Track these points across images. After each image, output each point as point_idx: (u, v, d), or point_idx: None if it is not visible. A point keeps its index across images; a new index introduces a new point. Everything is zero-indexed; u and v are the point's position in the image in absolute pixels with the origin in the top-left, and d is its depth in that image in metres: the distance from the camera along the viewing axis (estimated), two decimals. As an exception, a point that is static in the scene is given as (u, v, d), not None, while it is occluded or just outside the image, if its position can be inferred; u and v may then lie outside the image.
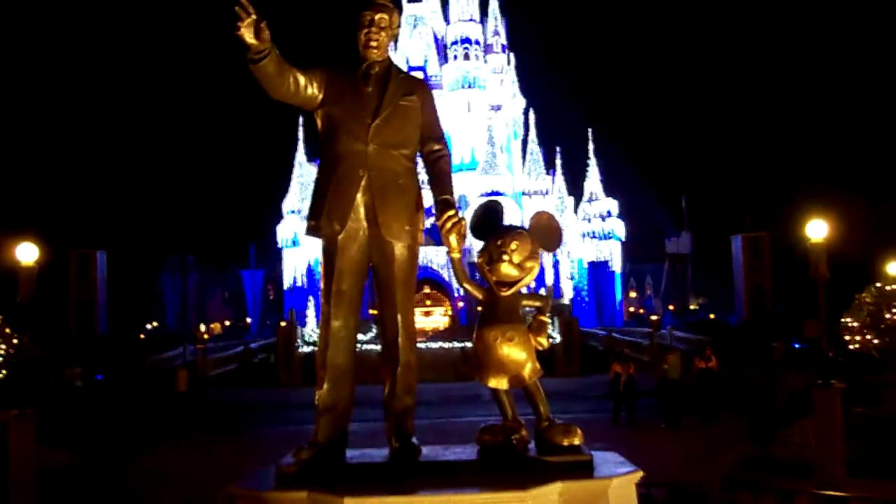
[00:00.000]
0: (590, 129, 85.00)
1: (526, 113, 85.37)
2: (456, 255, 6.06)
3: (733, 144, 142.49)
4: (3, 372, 20.32)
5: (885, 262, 28.23)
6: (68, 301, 61.94)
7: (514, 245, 5.89)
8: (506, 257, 5.87)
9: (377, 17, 6.43)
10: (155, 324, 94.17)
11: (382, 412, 6.28)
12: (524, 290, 6.18)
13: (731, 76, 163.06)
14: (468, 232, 6.09)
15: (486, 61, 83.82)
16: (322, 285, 6.34)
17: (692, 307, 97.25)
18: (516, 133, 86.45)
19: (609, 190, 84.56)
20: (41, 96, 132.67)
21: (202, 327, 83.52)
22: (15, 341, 20.91)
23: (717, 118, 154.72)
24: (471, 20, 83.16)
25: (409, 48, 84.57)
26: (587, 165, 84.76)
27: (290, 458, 5.79)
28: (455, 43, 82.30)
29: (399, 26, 6.69)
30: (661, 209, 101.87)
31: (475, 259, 6.20)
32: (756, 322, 56.76)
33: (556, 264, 77.87)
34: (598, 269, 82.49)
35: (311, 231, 6.30)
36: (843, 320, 21.67)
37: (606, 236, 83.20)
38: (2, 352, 20.78)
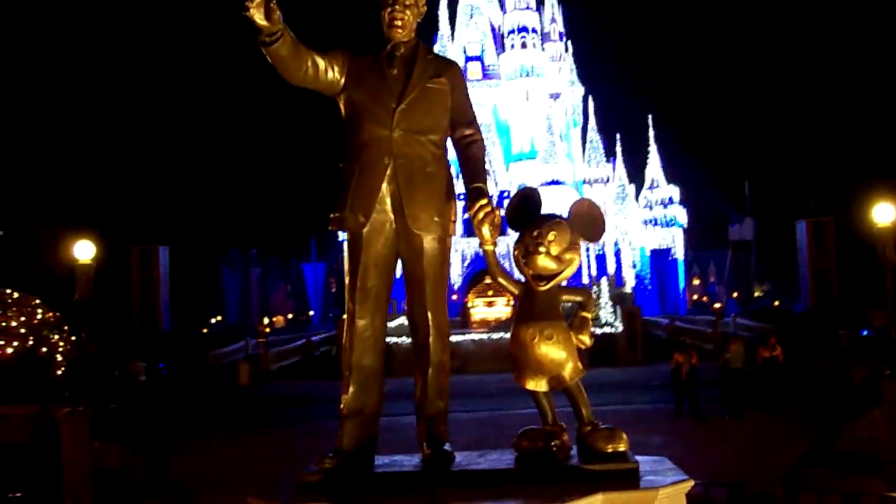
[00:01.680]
0: (650, 116, 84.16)
1: (585, 100, 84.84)
2: (489, 248, 5.63)
3: (797, 127, 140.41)
4: (62, 369, 20.53)
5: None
6: (131, 297, 62.52)
7: (551, 236, 5.43)
8: (542, 249, 5.42)
9: None
10: (218, 318, 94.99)
11: (412, 405, 5.97)
12: (565, 284, 5.80)
13: (794, 58, 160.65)
14: (503, 222, 5.75)
15: (543, 49, 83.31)
16: (347, 281, 5.95)
17: (756, 294, 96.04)
18: (575, 121, 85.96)
19: (670, 177, 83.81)
20: (102, 94, 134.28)
21: (265, 321, 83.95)
22: (73, 338, 21.14)
23: (779, 101, 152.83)
24: (527, 8, 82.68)
25: (466, 38, 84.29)
26: (648, 152, 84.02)
27: (312, 466, 5.51)
28: (512, 32, 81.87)
29: (425, 5, 6.20)
30: (723, 195, 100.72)
31: (512, 251, 5.83)
32: (821, 309, 55.79)
33: (617, 253, 77.38)
34: (660, 257, 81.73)
35: (335, 224, 5.93)
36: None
37: (668, 223, 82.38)
38: (60, 349, 21.02)
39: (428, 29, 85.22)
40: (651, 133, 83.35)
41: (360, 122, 5.86)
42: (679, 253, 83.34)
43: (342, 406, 5.81)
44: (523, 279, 5.63)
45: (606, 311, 54.41)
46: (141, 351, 44.85)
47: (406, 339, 46.87)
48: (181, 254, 70.24)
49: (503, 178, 78.11)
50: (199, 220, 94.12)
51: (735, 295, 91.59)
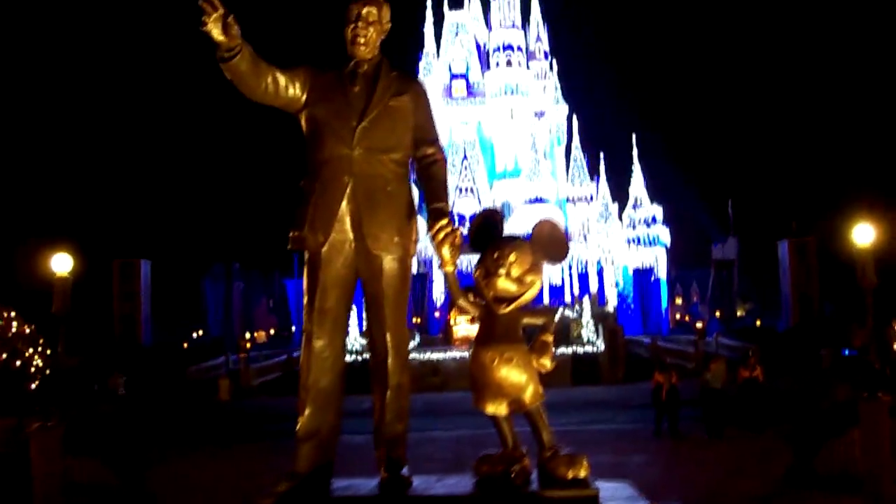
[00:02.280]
0: (633, 135, 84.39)
1: (569, 119, 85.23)
2: (449, 269, 5.55)
3: (779, 148, 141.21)
4: (36, 382, 20.34)
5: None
6: (112, 310, 62.14)
7: (512, 257, 5.38)
8: (502, 271, 5.36)
9: (364, 10, 5.96)
10: (200, 332, 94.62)
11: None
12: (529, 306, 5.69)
13: (776, 78, 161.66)
14: (464, 243, 5.64)
15: (528, 68, 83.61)
16: (305, 301, 5.87)
17: (739, 313, 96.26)
18: (560, 139, 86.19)
19: (654, 196, 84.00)
20: (81, 107, 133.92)
21: (246, 335, 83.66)
22: (49, 352, 20.97)
23: (763, 121, 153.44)
24: (513, 26, 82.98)
25: (451, 55, 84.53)
26: (631, 171, 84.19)
27: (267, 490, 5.40)
28: (497, 50, 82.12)
29: (390, 21, 6.16)
30: (706, 214, 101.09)
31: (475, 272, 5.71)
32: (803, 328, 55.89)
33: (600, 271, 77.52)
34: (643, 276, 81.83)
35: (294, 243, 5.86)
36: (892, 328, 21.18)
37: (652, 242, 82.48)
38: (36, 363, 20.85)
39: (413, 46, 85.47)
40: (635, 152, 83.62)
41: (321, 139, 5.81)
42: (662, 272, 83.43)
43: (298, 428, 5.73)
44: (484, 301, 5.54)
45: (588, 330, 54.33)
46: (121, 364, 44.52)
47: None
48: (163, 267, 69.93)
49: (487, 196, 78.20)
50: (182, 234, 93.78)
51: (718, 314, 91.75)
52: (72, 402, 19.96)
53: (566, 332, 54.19)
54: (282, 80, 5.81)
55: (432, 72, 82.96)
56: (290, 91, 5.86)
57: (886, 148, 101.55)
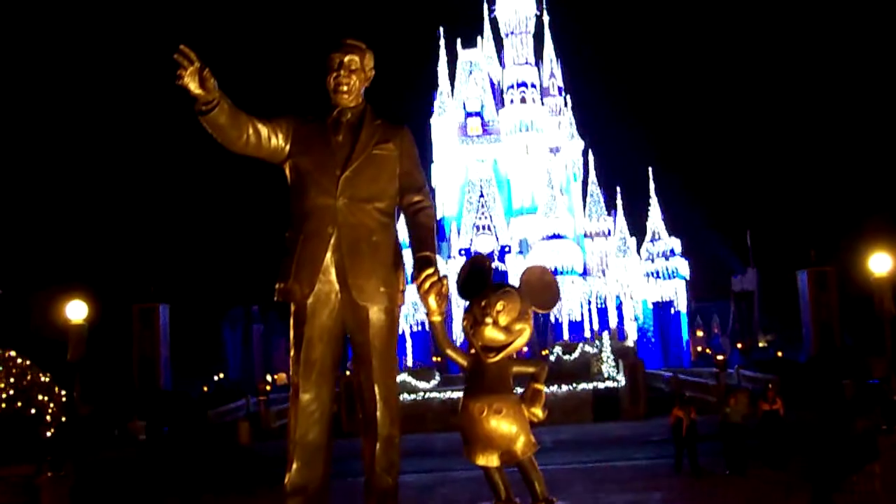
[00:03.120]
0: (650, 168, 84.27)
1: (585, 154, 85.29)
2: (436, 319, 5.42)
3: (796, 179, 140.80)
4: (51, 431, 20.31)
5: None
6: (132, 355, 62.33)
7: (500, 305, 5.30)
8: (489, 320, 5.29)
9: (346, 59, 5.89)
10: (220, 375, 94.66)
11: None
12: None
13: (793, 111, 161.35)
14: (452, 292, 5.57)
15: (542, 104, 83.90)
16: (291, 354, 5.76)
17: (760, 345, 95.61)
18: (576, 175, 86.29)
19: (672, 229, 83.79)
20: (98, 152, 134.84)
21: (267, 378, 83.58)
22: (64, 400, 20.95)
23: (779, 152, 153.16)
24: (526, 64, 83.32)
25: (465, 94, 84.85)
26: (648, 205, 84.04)
27: None
28: (511, 87, 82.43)
29: (374, 69, 6.08)
30: (725, 246, 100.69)
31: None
32: (825, 359, 55.51)
33: (619, 306, 77.27)
34: (662, 309, 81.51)
35: (280, 295, 5.77)
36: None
37: (670, 275, 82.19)
38: (52, 410, 20.82)
39: (427, 85, 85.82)
40: (652, 185, 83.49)
41: (305, 190, 5.74)
42: (682, 305, 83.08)
43: (286, 482, 5.65)
44: (473, 350, 5.48)
45: (609, 366, 54.01)
46: (141, 410, 44.54)
47: (407, 396, 46.68)
48: (183, 312, 70.13)
49: (504, 234, 78.19)
50: (201, 278, 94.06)
51: (739, 346, 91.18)
52: (86, 450, 19.94)
53: (587, 368, 53.94)
54: (263, 131, 5.75)
55: (447, 111, 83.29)
56: (273, 142, 5.80)
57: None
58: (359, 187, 5.72)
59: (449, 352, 5.62)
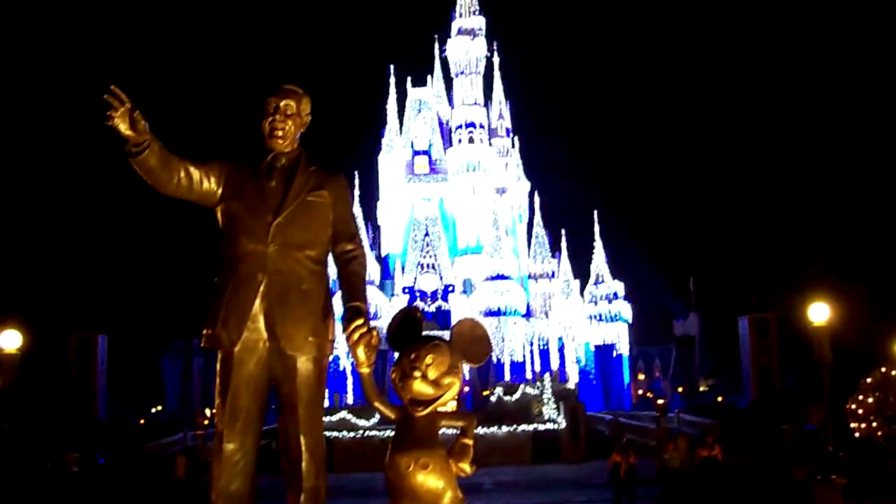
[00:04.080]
0: (595, 211, 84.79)
1: (531, 196, 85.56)
2: (364, 371, 5.34)
3: (739, 226, 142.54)
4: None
5: (891, 343, 27.77)
6: (68, 385, 61.49)
7: (429, 359, 5.17)
8: (418, 373, 5.16)
9: (283, 103, 5.83)
10: (158, 408, 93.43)
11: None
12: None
13: (737, 159, 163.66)
14: (382, 343, 5.50)
15: (490, 145, 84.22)
16: (217, 402, 5.63)
17: (701, 389, 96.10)
18: (521, 216, 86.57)
19: (615, 272, 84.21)
20: (32, 179, 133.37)
21: (206, 412, 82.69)
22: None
23: (723, 200, 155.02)
24: (475, 104, 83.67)
25: (414, 132, 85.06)
26: (593, 248, 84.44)
27: None
28: (460, 127, 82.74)
29: (310, 114, 6.01)
30: (668, 290, 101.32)
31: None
32: (764, 404, 56.03)
33: (561, 348, 77.39)
34: (605, 352, 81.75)
35: (207, 342, 5.64)
36: (848, 406, 21.21)
37: (613, 318, 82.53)
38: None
39: (376, 122, 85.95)
40: (596, 228, 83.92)
41: (236, 235, 5.66)
42: (624, 348, 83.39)
43: None
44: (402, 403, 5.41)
45: (549, 408, 54.08)
46: (76, 441, 43.88)
47: (347, 434, 46.39)
48: (122, 343, 69.31)
49: (448, 273, 78.22)
50: (142, 310, 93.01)
51: (680, 390, 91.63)
52: (15, 480, 19.51)
53: (527, 410, 53.94)
54: (195, 174, 5.67)
55: (394, 148, 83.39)
56: (205, 185, 5.72)
57: (842, 228, 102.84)
58: (290, 234, 5.65)
59: (377, 404, 5.50)
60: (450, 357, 5.25)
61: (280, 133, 5.82)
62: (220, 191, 5.77)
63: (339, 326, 5.57)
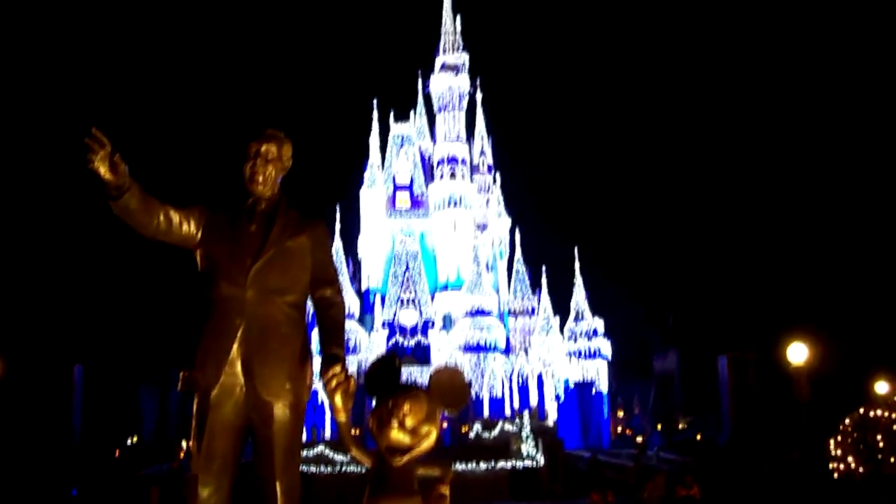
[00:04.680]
0: (575, 248, 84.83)
1: (512, 232, 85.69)
2: (341, 418, 5.34)
3: (720, 264, 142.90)
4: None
5: (872, 382, 27.85)
6: (44, 414, 61.13)
7: (406, 407, 5.20)
8: (395, 422, 5.19)
9: (263, 148, 5.83)
10: (134, 439, 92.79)
11: None
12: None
13: (719, 196, 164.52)
14: (358, 389, 5.47)
15: (472, 181, 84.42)
16: (192, 445, 5.59)
17: (680, 426, 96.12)
18: (502, 252, 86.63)
19: (595, 309, 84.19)
20: (20, 209, 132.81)
21: (183, 443, 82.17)
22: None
23: (704, 238, 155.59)
24: (457, 140, 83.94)
25: (396, 167, 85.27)
26: (573, 284, 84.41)
27: None
28: (441, 162, 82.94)
29: (291, 159, 6.00)
30: (648, 328, 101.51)
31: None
32: (743, 442, 56.09)
33: (540, 385, 77.25)
34: (584, 389, 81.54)
35: (184, 384, 5.61)
36: (828, 446, 21.23)
37: (593, 355, 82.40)
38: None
39: (359, 156, 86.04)
40: (577, 265, 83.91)
41: (214, 279, 5.64)
42: (603, 385, 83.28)
43: None
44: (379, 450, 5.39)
45: (528, 444, 53.92)
46: (50, 470, 43.59)
47: (324, 468, 46.09)
48: (99, 372, 68.93)
49: (428, 308, 78.18)
50: (120, 340, 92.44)
51: (659, 427, 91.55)
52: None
53: (506, 446, 53.79)
54: (175, 217, 5.67)
55: (376, 183, 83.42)
56: (185, 228, 5.72)
57: (823, 268, 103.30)
58: (269, 279, 5.63)
59: (354, 451, 5.49)
60: (427, 405, 5.25)
61: (261, 178, 5.82)
62: (199, 234, 5.76)
63: (316, 371, 5.55)
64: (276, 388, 5.52)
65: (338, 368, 5.35)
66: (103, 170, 5.21)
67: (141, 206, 5.50)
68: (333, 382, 5.30)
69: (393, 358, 5.62)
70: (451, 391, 5.43)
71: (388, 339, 75.46)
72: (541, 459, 52.08)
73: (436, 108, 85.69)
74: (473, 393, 70.77)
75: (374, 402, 5.39)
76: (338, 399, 5.28)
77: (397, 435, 5.21)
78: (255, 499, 5.67)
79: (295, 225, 5.84)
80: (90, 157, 5.15)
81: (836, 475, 21.50)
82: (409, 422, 5.19)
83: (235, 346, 5.52)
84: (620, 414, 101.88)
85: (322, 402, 63.91)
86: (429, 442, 5.28)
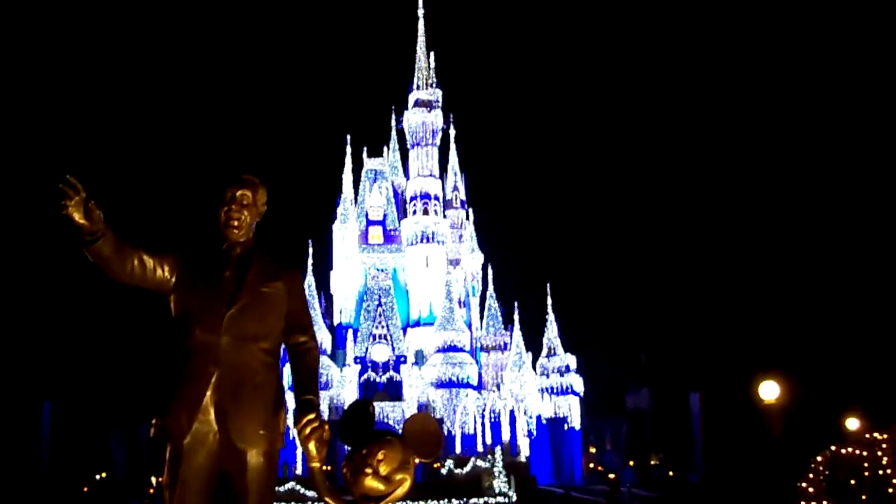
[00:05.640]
0: (548, 284, 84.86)
1: (484, 268, 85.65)
2: (315, 465, 5.32)
3: (692, 302, 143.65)
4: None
5: (843, 418, 27.97)
6: (13, 449, 60.63)
7: (380, 455, 5.20)
8: (369, 470, 5.19)
9: (239, 193, 5.84)
10: (103, 475, 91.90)
11: None
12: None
13: (690, 236, 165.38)
14: (332, 437, 5.43)
15: (445, 216, 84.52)
16: (165, 494, 5.53)
17: (653, 462, 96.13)
18: (475, 288, 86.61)
19: (567, 345, 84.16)
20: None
21: (153, 480, 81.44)
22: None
23: (675, 276, 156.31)
24: (430, 175, 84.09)
25: (369, 202, 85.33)
26: (546, 320, 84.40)
27: None
28: (414, 198, 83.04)
29: (265, 204, 6.03)
30: (620, 365, 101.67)
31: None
32: (715, 479, 56.17)
33: (512, 421, 77.05)
34: (556, 425, 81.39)
35: (157, 432, 5.54)
36: (799, 485, 21.19)
37: (565, 391, 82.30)
38: None
39: (332, 191, 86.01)
40: (549, 301, 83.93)
41: (188, 325, 5.61)
42: (575, 421, 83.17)
43: None
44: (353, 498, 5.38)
45: (500, 481, 53.77)
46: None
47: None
48: (69, 410, 68.45)
49: (401, 343, 78.06)
50: (90, 377, 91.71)
51: (631, 463, 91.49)
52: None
53: (478, 483, 53.61)
54: (149, 263, 5.66)
55: (349, 218, 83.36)
56: (158, 273, 5.70)
57: (796, 305, 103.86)
58: (244, 326, 5.60)
59: (328, 499, 5.48)
60: (401, 453, 5.25)
61: (236, 223, 5.82)
62: (173, 280, 5.75)
63: (290, 418, 5.53)
64: (250, 435, 5.49)
65: (312, 415, 5.35)
66: (77, 216, 5.22)
67: (114, 252, 5.50)
68: (308, 430, 5.29)
69: (367, 404, 5.62)
70: (425, 439, 5.43)
71: (360, 374, 75.21)
72: (513, 496, 51.97)
73: (409, 143, 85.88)
74: (445, 429, 70.53)
75: (347, 450, 5.37)
76: (311, 446, 5.28)
77: (371, 482, 5.21)
78: None
79: (270, 271, 5.83)
80: (65, 202, 5.17)
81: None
82: (383, 469, 5.20)
83: (209, 394, 5.49)
84: (592, 450, 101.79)
85: (293, 439, 63.25)
86: (403, 489, 5.29)
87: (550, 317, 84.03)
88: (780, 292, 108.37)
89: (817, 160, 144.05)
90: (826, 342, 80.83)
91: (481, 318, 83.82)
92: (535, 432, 79.30)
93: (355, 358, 76.08)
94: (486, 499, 50.64)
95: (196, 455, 5.48)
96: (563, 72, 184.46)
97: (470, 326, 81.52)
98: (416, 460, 5.40)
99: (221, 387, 5.48)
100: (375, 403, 5.36)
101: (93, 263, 5.54)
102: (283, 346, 5.86)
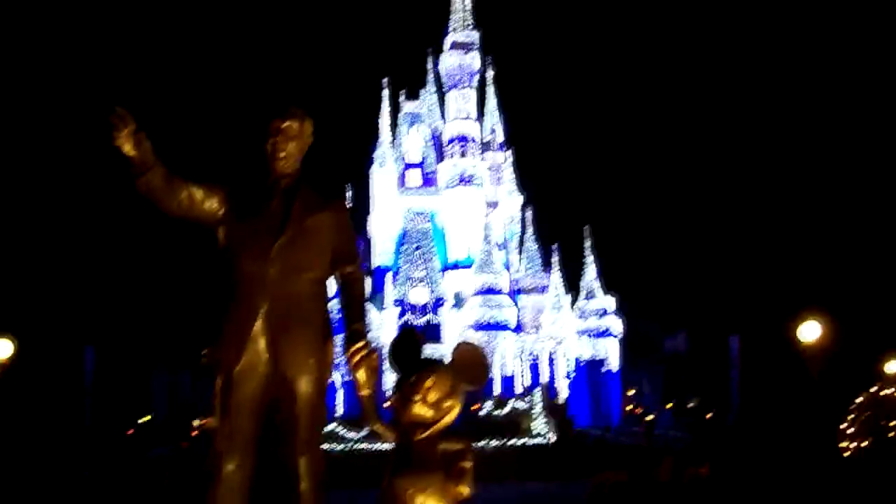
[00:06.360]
0: (587, 226, 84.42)
1: (523, 210, 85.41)
2: (365, 393, 5.37)
3: (733, 244, 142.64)
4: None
5: (883, 362, 27.79)
6: (55, 396, 61.30)
7: (429, 382, 5.22)
8: (417, 397, 5.20)
9: (285, 125, 5.83)
10: (147, 418, 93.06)
11: None
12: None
13: (729, 177, 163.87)
14: (384, 364, 5.48)
15: (483, 158, 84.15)
16: (216, 422, 5.60)
17: (690, 406, 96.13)
18: (513, 230, 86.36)
19: (608, 287, 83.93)
20: (33, 189, 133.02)
21: (195, 422, 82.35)
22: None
23: (714, 220, 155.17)
24: (468, 118, 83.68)
25: (407, 145, 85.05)
26: (584, 262, 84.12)
27: None
28: (452, 141, 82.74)
29: (312, 135, 6.02)
30: (659, 307, 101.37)
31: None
32: (752, 421, 56.09)
33: (551, 363, 77.24)
34: (594, 367, 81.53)
35: (207, 362, 5.65)
36: (839, 426, 21.19)
37: (603, 334, 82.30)
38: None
39: (369, 135, 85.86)
40: (588, 243, 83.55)
41: (237, 256, 5.66)
42: (613, 363, 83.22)
43: None
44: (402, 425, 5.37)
45: (539, 423, 53.99)
46: (61, 452, 43.72)
47: (336, 446, 46.26)
48: (111, 354, 69.11)
49: (439, 286, 78.14)
50: (131, 321, 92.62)
51: (669, 406, 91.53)
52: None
53: (517, 424, 53.85)
54: (198, 194, 5.70)
55: (387, 161, 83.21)
56: (207, 205, 5.75)
57: (838, 246, 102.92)
58: (292, 256, 5.63)
59: (377, 427, 5.51)
60: (450, 380, 5.24)
61: (283, 154, 5.83)
62: (221, 211, 5.79)
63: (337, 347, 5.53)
64: (299, 364, 5.56)
65: (361, 344, 5.42)
66: (127, 147, 5.26)
67: (164, 183, 5.55)
68: (357, 357, 5.37)
69: (413, 332, 5.64)
70: (473, 367, 5.45)
71: (399, 317, 75.41)
72: (552, 437, 52.19)
73: (446, 86, 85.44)
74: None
75: (396, 378, 5.40)
76: (361, 374, 5.32)
77: (420, 410, 5.23)
78: (278, 476, 5.68)
79: (316, 202, 5.86)
80: (114, 134, 5.19)
81: (846, 454, 21.44)
82: (431, 397, 5.21)
83: (258, 324, 5.55)
84: (630, 392, 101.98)
85: (333, 382, 63.97)
86: (451, 417, 5.31)
87: (589, 258, 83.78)
88: (820, 235, 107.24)
89: (855, 101, 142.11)
90: (866, 283, 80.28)
91: (520, 260, 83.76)
92: (573, 374, 79.51)
93: (394, 301, 76.28)
94: (524, 440, 50.86)
95: (246, 384, 5.54)
96: (607, 7, 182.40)
97: (508, 269, 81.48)
98: (465, 388, 5.41)
99: (270, 317, 5.53)
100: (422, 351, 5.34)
101: (139, 198, 5.57)
102: (329, 276, 5.88)
